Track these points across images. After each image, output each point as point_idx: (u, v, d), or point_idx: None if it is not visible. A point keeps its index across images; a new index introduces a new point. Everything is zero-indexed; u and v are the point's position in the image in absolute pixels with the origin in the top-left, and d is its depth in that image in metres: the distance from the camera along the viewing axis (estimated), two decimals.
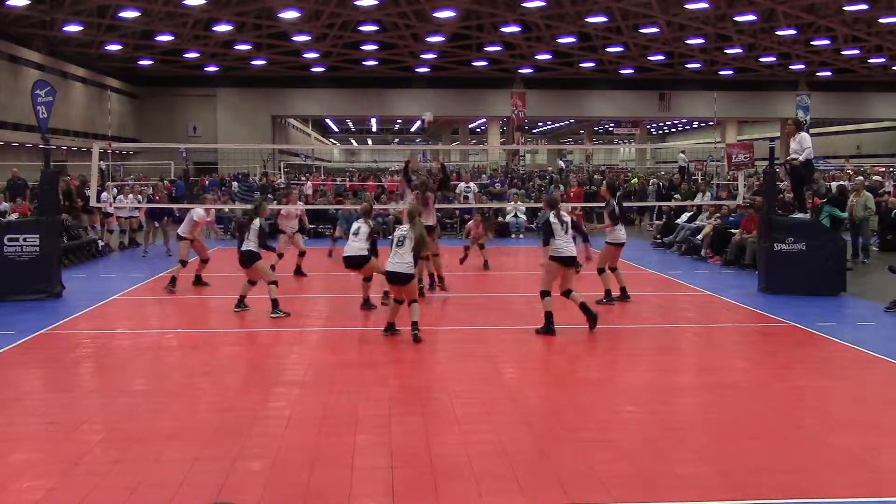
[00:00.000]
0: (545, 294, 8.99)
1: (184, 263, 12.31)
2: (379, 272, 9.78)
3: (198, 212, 12.83)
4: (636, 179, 30.30)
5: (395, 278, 8.73)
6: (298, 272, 13.80)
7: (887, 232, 17.07)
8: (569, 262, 9.00)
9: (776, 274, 11.62)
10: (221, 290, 12.79)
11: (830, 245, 11.68)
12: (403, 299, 8.86)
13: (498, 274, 14.36)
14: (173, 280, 12.13)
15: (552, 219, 9.03)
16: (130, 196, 18.25)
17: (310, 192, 24.82)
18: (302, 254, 13.90)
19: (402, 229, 8.87)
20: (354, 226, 9.96)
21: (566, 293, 9.10)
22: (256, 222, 10.26)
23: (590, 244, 9.92)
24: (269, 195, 21.75)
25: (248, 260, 10.25)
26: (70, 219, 15.94)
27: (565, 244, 8.96)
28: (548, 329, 8.91)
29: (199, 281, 12.68)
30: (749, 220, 14.28)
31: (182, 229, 12.64)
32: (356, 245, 9.79)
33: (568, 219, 9.14)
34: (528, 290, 11.96)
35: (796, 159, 12.37)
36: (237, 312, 10.32)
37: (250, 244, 10.19)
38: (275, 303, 10.10)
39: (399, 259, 8.67)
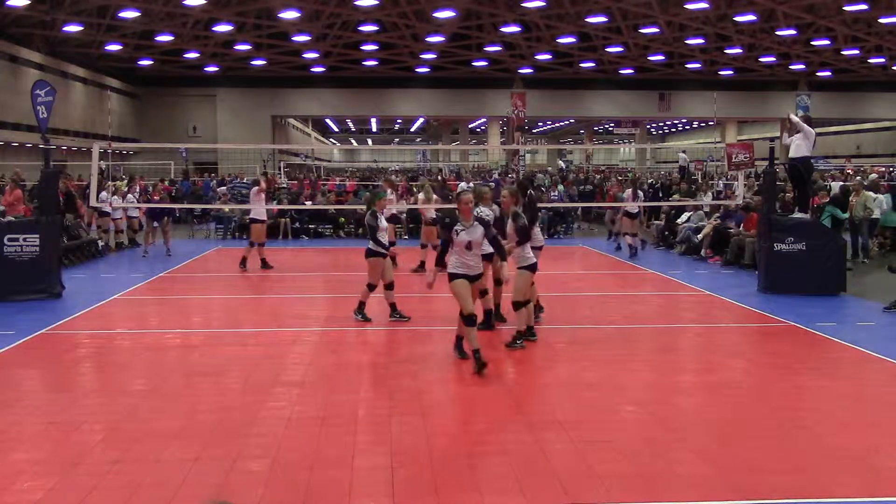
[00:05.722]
0: None
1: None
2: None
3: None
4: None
5: None
6: (265, 265, 14.41)
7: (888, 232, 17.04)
8: None
9: (776, 274, 11.62)
10: (220, 290, 12.80)
11: (830, 245, 11.68)
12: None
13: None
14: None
15: None
16: (130, 196, 18.22)
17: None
18: (262, 245, 14.59)
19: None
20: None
21: None
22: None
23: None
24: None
25: None
26: (72, 218, 15.92)
27: None
28: None
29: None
30: (749, 219, 14.31)
31: None
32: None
33: None
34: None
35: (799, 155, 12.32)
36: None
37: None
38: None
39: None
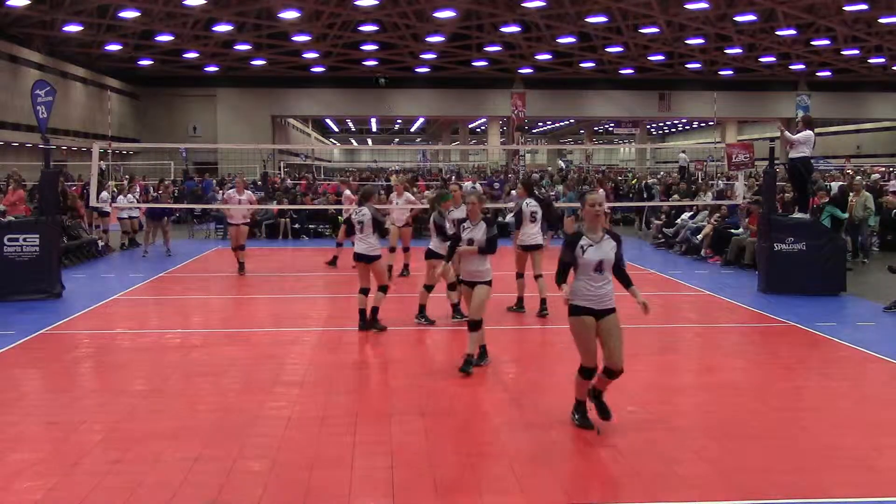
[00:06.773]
0: None
1: None
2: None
3: None
4: (635, 180, 30.30)
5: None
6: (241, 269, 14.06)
7: (887, 232, 17.08)
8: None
9: (776, 274, 11.62)
10: (220, 290, 12.80)
11: (830, 245, 11.68)
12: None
13: (496, 273, 14.30)
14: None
15: None
16: (130, 196, 18.22)
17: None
18: (241, 247, 14.15)
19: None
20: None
21: None
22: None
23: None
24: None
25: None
26: (68, 219, 15.92)
27: None
28: None
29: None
30: (755, 216, 14.31)
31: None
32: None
33: None
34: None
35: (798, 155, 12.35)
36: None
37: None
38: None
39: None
